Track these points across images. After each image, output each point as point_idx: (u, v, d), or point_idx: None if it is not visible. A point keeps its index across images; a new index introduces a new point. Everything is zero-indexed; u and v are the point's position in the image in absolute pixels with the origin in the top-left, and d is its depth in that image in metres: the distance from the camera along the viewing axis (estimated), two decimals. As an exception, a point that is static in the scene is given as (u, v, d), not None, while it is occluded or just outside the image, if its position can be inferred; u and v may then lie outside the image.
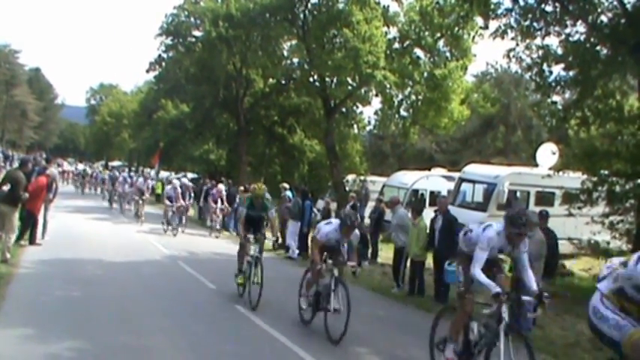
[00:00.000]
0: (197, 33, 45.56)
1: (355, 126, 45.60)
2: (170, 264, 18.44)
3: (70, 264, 16.57)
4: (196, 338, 10.18)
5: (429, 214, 16.82)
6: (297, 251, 21.43)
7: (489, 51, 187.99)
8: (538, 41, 18.62)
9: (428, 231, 15.56)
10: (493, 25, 19.41)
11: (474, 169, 27.86)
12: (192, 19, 45.24)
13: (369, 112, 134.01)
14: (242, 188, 27.51)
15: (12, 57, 73.85)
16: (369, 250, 21.80)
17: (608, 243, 20.36)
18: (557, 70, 18.64)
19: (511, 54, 19.27)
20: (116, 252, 19.65)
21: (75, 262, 16.98)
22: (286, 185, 26.03)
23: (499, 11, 19.01)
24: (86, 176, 58.49)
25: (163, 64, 47.53)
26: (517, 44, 18.80)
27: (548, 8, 18.11)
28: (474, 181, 26.91)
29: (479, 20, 21.97)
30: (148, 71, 48.87)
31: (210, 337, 10.30)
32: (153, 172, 50.06)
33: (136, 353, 9.12)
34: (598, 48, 17.48)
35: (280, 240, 20.59)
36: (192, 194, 30.92)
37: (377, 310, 14.03)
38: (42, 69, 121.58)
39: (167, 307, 12.30)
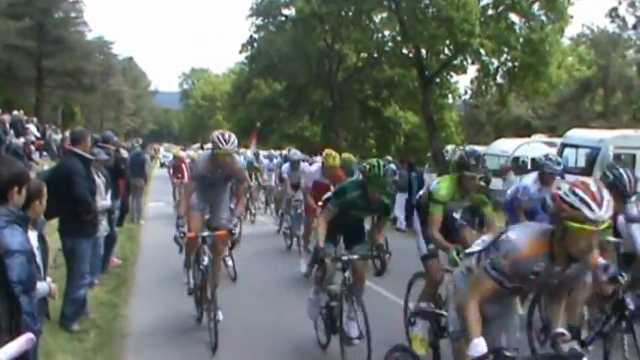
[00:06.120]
0: (287, 11, 46.01)
1: (450, 95, 45.35)
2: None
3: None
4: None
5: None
6: (404, 222, 21.43)
7: (585, 12, 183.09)
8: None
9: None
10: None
11: (576, 134, 27.28)
12: (281, -2, 45.68)
13: (463, 81, 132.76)
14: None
15: (106, 48, 75.51)
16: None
17: None
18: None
19: (613, 13, 18.81)
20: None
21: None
22: (389, 158, 26.01)
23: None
24: None
25: (255, 44, 48.12)
26: (619, 2, 18.33)
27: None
28: (577, 146, 26.35)
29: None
30: (240, 52, 49.77)
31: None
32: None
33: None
34: None
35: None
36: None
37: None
38: (134, 58, 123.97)
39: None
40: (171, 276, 12.53)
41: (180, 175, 23.35)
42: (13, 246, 4.00)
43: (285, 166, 16.27)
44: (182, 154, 27.82)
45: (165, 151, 74.49)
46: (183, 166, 23.83)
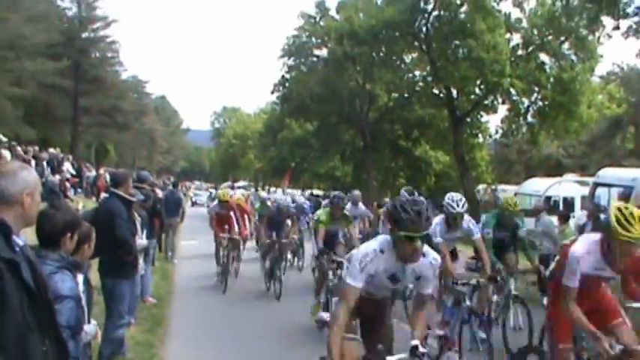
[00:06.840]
0: (318, 52, 46.66)
1: (480, 135, 45.37)
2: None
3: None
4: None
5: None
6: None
7: (613, 50, 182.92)
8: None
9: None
10: (623, 24, 19.08)
11: (609, 173, 27.11)
12: (313, 39, 46.30)
13: (494, 120, 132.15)
14: (375, 204, 26.45)
15: (140, 87, 76.93)
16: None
17: None
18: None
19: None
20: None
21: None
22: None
23: (629, 9, 18.70)
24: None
25: (287, 84, 48.69)
26: (651, 43, 18.39)
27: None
28: (609, 185, 26.20)
29: (605, 20, 21.58)
30: (272, 92, 50.40)
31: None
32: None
33: None
34: None
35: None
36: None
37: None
38: (167, 96, 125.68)
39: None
40: (206, 316, 12.72)
41: (228, 227, 16.45)
42: (63, 291, 4.18)
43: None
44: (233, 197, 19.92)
45: (196, 190, 75.14)
46: (232, 214, 16.72)
